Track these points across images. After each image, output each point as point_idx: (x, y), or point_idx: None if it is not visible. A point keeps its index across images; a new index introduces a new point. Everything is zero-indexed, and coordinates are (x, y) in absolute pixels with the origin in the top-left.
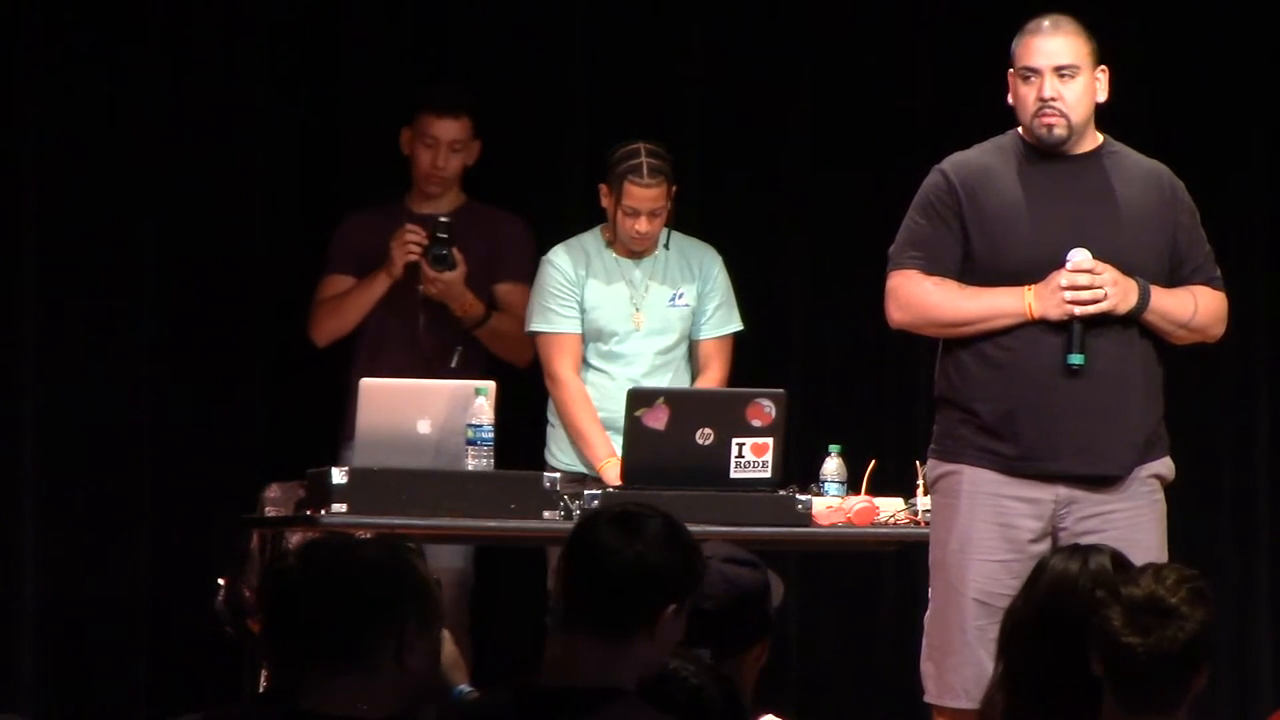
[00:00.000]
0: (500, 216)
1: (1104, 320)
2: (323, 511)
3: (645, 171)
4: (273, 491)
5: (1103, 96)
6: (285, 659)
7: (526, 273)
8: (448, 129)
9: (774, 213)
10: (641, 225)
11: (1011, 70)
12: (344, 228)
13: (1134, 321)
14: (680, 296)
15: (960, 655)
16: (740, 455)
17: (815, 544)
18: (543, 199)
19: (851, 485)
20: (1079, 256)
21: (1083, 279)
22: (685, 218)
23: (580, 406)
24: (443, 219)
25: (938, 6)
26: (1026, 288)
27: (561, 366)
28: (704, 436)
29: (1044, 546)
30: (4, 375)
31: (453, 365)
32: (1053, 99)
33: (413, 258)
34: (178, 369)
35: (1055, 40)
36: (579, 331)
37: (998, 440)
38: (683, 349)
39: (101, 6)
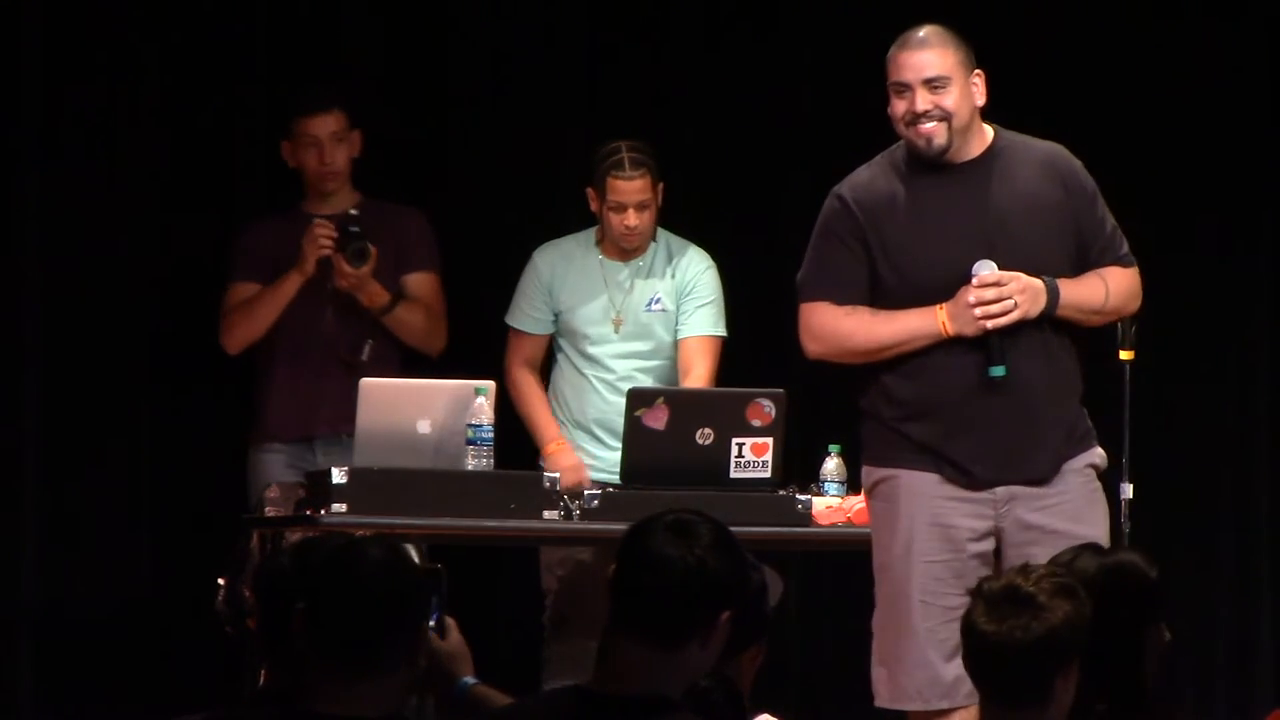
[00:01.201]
0: (400, 210)
1: (1015, 326)
2: (323, 511)
3: (627, 164)
4: (273, 491)
5: (980, 100)
6: (282, 658)
7: (432, 262)
8: (324, 124)
9: (774, 212)
10: (630, 219)
11: (890, 86)
12: (243, 236)
13: (1045, 320)
14: (657, 301)
15: (912, 658)
16: (740, 455)
17: (815, 544)
18: (540, 201)
19: (851, 485)
20: (984, 270)
21: (989, 293)
22: (684, 218)
23: (525, 397)
24: (351, 212)
25: (939, 8)
26: (939, 307)
27: (512, 362)
28: (704, 436)
29: (987, 545)
30: (5, 375)
31: (364, 359)
32: (926, 111)
33: (325, 253)
34: (178, 368)
35: (923, 54)
36: (541, 332)
37: (928, 452)
38: (666, 359)
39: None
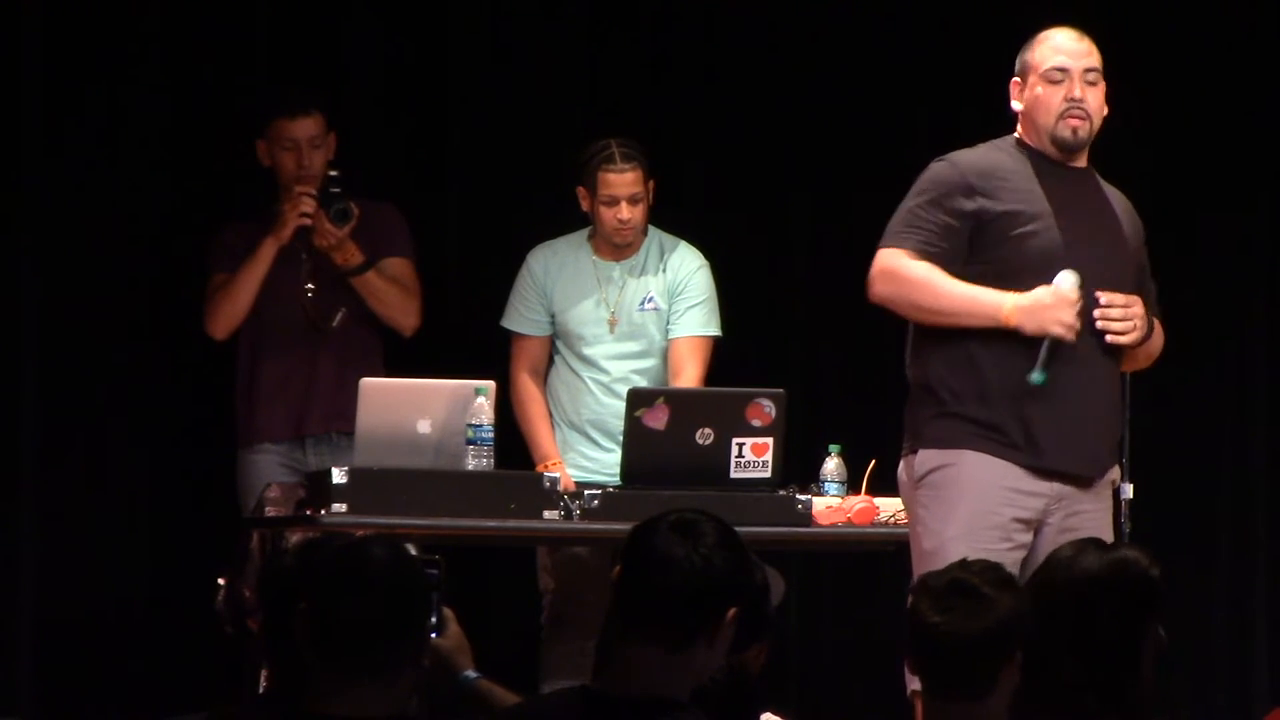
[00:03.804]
0: (371, 205)
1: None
2: (323, 511)
3: (618, 158)
4: (273, 491)
5: (1105, 109)
6: (285, 659)
7: (407, 249)
8: (304, 128)
9: (776, 212)
10: (623, 213)
11: (1021, 76)
12: (222, 234)
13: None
14: (650, 300)
15: None
16: (740, 455)
17: (815, 544)
18: (541, 202)
19: (851, 485)
20: (1067, 281)
21: (1116, 312)
22: (686, 219)
23: (525, 412)
24: (332, 173)
25: (942, 10)
26: (1009, 294)
27: (516, 368)
28: (704, 436)
29: (1030, 538)
30: (4, 375)
31: (334, 324)
32: (1081, 99)
33: (307, 221)
34: (178, 368)
35: (1084, 43)
36: (539, 334)
37: (999, 432)
38: (661, 358)
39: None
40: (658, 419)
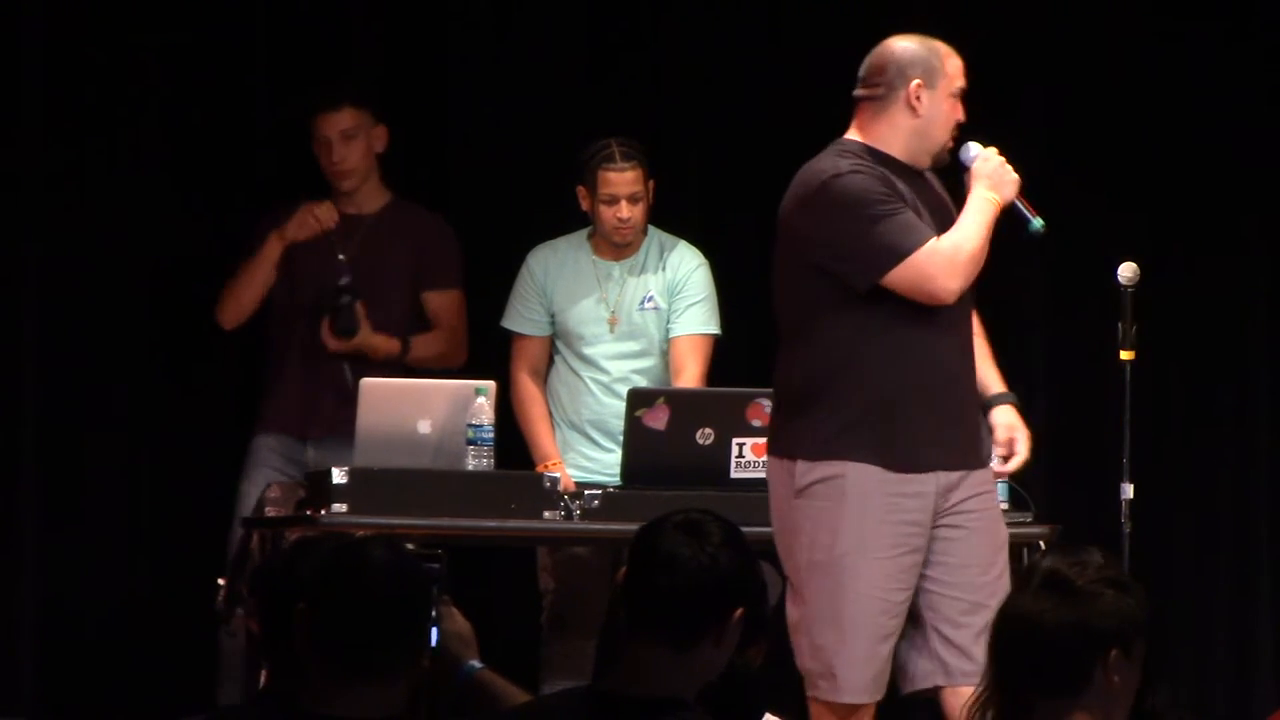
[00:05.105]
0: (424, 218)
1: (963, 329)
2: (323, 511)
3: (618, 157)
4: (273, 491)
5: None
6: (283, 658)
7: (455, 279)
8: (333, 122)
9: (774, 213)
10: (623, 211)
11: (930, 84)
12: (264, 219)
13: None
14: (650, 299)
15: (863, 653)
16: (740, 455)
17: None
18: (540, 202)
19: None
20: (978, 148)
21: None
22: (685, 218)
23: (526, 412)
24: (342, 281)
25: (941, 10)
26: (976, 188)
27: (516, 368)
28: (704, 436)
29: (925, 539)
30: (4, 375)
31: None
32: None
33: (305, 238)
34: (178, 367)
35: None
36: (539, 335)
37: (880, 435)
38: (660, 357)
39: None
40: (658, 419)
